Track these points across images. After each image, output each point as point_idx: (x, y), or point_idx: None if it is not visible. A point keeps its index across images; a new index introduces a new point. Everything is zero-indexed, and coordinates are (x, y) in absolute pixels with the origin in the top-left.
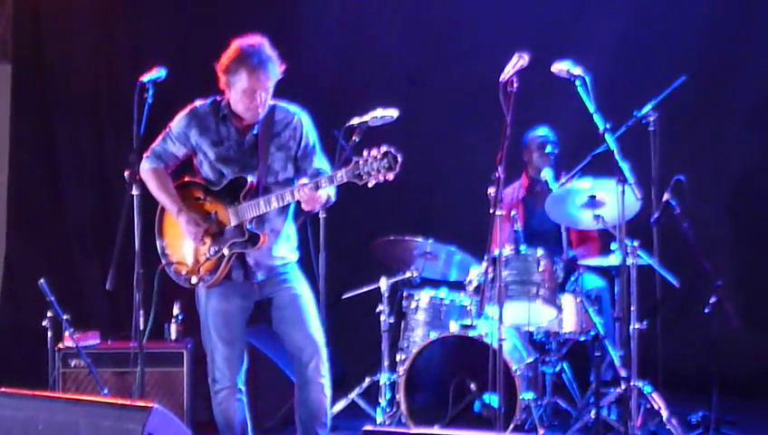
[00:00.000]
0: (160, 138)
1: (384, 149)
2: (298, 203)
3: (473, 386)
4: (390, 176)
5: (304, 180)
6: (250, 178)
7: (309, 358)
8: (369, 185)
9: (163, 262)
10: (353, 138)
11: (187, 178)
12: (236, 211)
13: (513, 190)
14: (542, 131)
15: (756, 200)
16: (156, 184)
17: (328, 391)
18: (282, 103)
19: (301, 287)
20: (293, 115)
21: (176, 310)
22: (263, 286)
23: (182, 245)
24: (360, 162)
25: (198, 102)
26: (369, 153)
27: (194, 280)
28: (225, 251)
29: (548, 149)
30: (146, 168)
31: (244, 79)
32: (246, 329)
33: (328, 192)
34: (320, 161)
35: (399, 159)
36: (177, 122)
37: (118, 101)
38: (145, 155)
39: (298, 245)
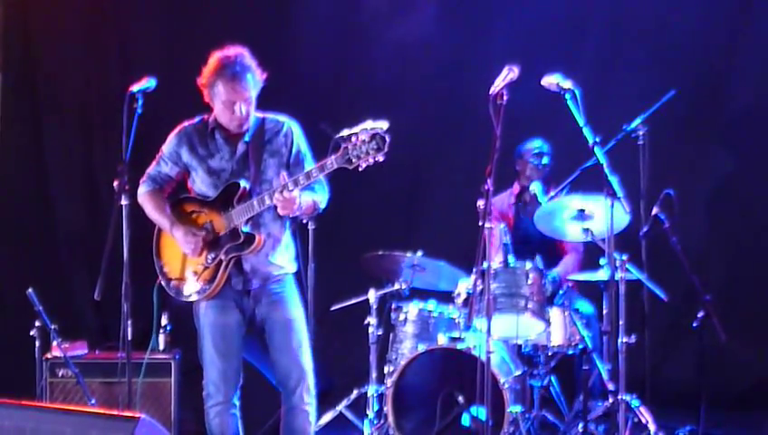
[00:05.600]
0: (154, 162)
1: (372, 131)
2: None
3: (461, 399)
4: (380, 157)
5: (284, 176)
6: (243, 183)
7: (295, 384)
8: (361, 168)
9: (162, 281)
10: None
11: (181, 196)
12: (230, 216)
13: (501, 201)
14: (538, 143)
15: (744, 215)
16: (151, 205)
17: (312, 417)
18: (270, 115)
19: (294, 310)
20: (283, 124)
21: (164, 320)
22: (258, 300)
23: (179, 261)
24: (349, 147)
25: (186, 122)
26: (358, 137)
27: (193, 295)
28: (222, 256)
29: (545, 160)
30: (142, 192)
31: (222, 91)
32: (243, 342)
33: (313, 197)
34: None
35: (388, 140)
36: (168, 143)
37: (107, 111)
38: (141, 180)
39: (295, 256)
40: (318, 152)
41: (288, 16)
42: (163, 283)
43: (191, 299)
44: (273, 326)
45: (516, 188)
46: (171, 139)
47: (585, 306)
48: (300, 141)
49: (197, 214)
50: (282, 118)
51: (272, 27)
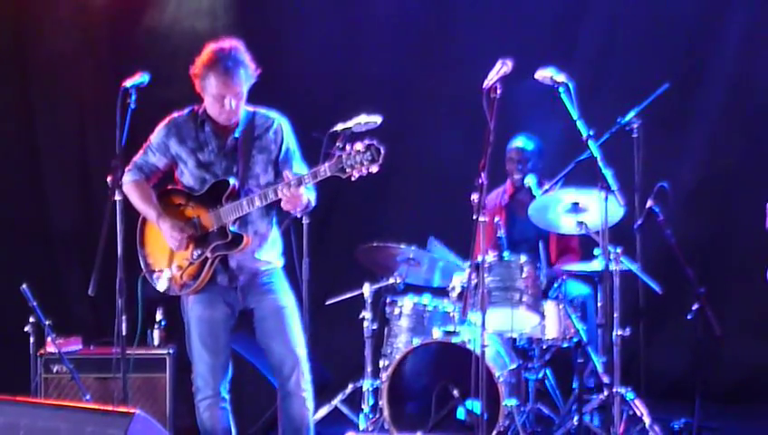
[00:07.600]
0: (141, 151)
1: (367, 142)
2: (279, 205)
3: (456, 392)
4: (374, 168)
5: (288, 175)
6: (232, 181)
7: (290, 371)
8: (353, 178)
9: (145, 271)
10: (337, 144)
11: (168, 187)
12: (219, 214)
13: (496, 196)
14: (520, 142)
15: (738, 207)
16: (137, 195)
17: (310, 404)
18: (261, 110)
19: (285, 298)
20: (274, 120)
21: (158, 316)
22: (246, 293)
23: (164, 253)
24: (344, 156)
25: (176, 113)
26: (353, 147)
27: (177, 288)
28: (208, 254)
29: (528, 164)
30: (127, 180)
31: (214, 84)
32: (231, 335)
33: (308, 196)
34: (299, 167)
35: (383, 152)
36: (157, 133)
37: (101, 107)
38: (127, 169)
39: (283, 251)
40: (308, 154)
41: (283, 13)
42: (146, 274)
43: (175, 291)
44: (263, 314)
45: (510, 186)
46: (160, 129)
47: (580, 288)
48: (289, 139)
49: (185, 207)
50: (272, 114)
51: (266, 24)
